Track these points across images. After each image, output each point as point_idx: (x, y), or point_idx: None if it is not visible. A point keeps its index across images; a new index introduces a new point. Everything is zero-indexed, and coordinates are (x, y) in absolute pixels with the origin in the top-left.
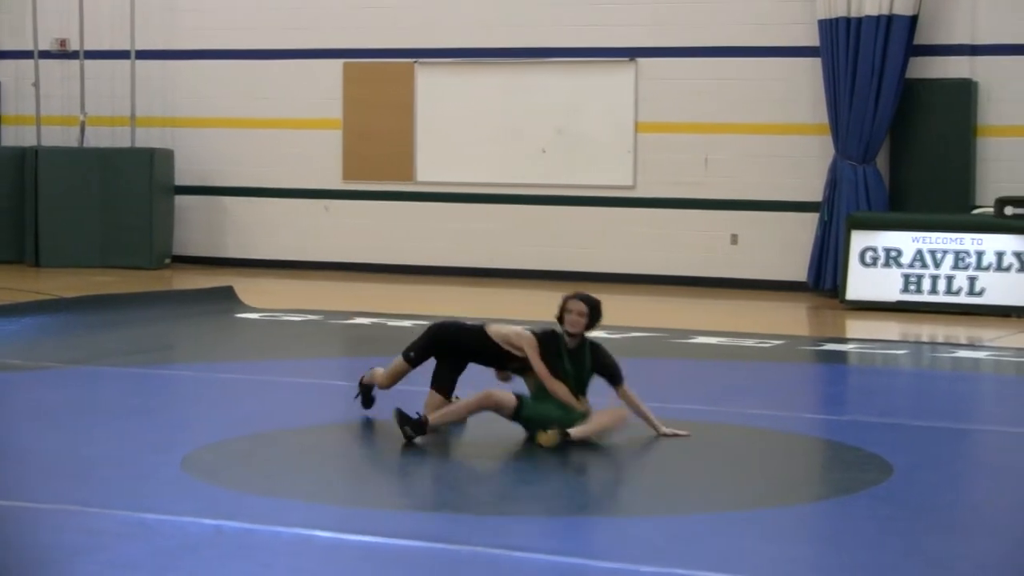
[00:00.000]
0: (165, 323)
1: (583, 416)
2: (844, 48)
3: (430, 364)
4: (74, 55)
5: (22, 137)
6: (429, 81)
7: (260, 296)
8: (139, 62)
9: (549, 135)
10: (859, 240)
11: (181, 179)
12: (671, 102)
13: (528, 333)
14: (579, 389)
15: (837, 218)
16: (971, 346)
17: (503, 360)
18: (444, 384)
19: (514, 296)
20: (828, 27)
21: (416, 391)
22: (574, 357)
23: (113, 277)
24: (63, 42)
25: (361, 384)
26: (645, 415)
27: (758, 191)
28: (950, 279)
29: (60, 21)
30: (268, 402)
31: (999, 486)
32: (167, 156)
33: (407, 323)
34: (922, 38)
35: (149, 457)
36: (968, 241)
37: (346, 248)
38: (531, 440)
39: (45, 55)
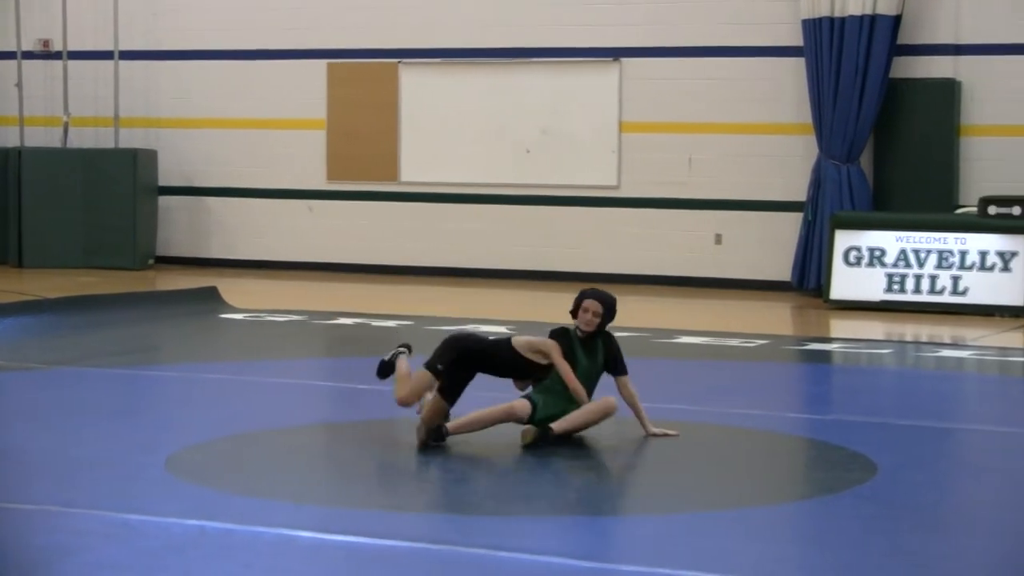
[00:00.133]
0: (149, 324)
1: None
2: (828, 48)
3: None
4: (57, 56)
5: (5, 138)
6: (413, 81)
7: (244, 297)
8: (122, 62)
9: (533, 135)
10: (843, 240)
11: (165, 179)
12: (655, 102)
13: (550, 340)
14: (592, 382)
15: (821, 218)
16: (955, 345)
17: (526, 371)
18: (454, 394)
19: (498, 296)
20: (812, 27)
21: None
22: (588, 349)
23: (96, 278)
24: (46, 42)
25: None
26: (638, 412)
27: (742, 191)
28: (934, 279)
29: (43, 21)
30: (252, 403)
31: (983, 485)
32: (151, 156)
33: (391, 323)
34: (906, 38)
35: (133, 458)
36: (952, 241)
37: (330, 248)
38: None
39: (28, 55)
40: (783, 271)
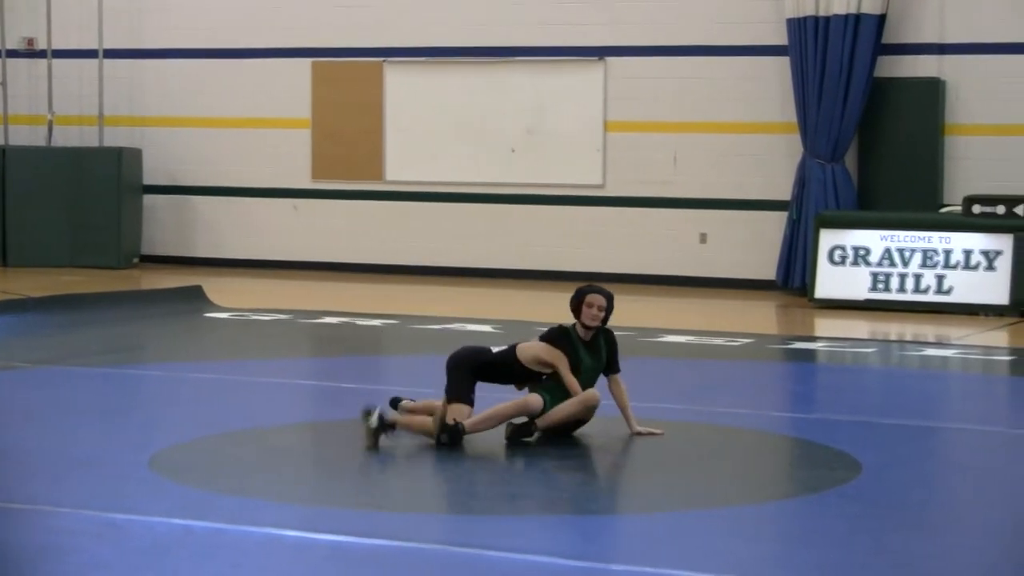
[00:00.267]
0: (134, 323)
1: None
2: (812, 47)
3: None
4: (42, 54)
5: None
6: (398, 80)
7: (229, 296)
8: (107, 61)
9: (518, 134)
10: (828, 239)
11: (149, 178)
12: (640, 101)
13: (556, 350)
14: (594, 380)
15: (806, 217)
16: (939, 344)
17: (530, 378)
18: (467, 398)
19: (484, 295)
20: (796, 26)
21: (393, 391)
22: (590, 348)
23: (81, 277)
24: (30, 41)
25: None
26: (625, 410)
27: (727, 190)
28: (918, 277)
29: (27, 20)
30: (237, 402)
31: (967, 484)
32: (135, 155)
33: (376, 322)
34: (890, 37)
35: (118, 457)
36: (936, 240)
37: (315, 247)
38: (508, 439)
39: (12, 54)
40: (768, 270)
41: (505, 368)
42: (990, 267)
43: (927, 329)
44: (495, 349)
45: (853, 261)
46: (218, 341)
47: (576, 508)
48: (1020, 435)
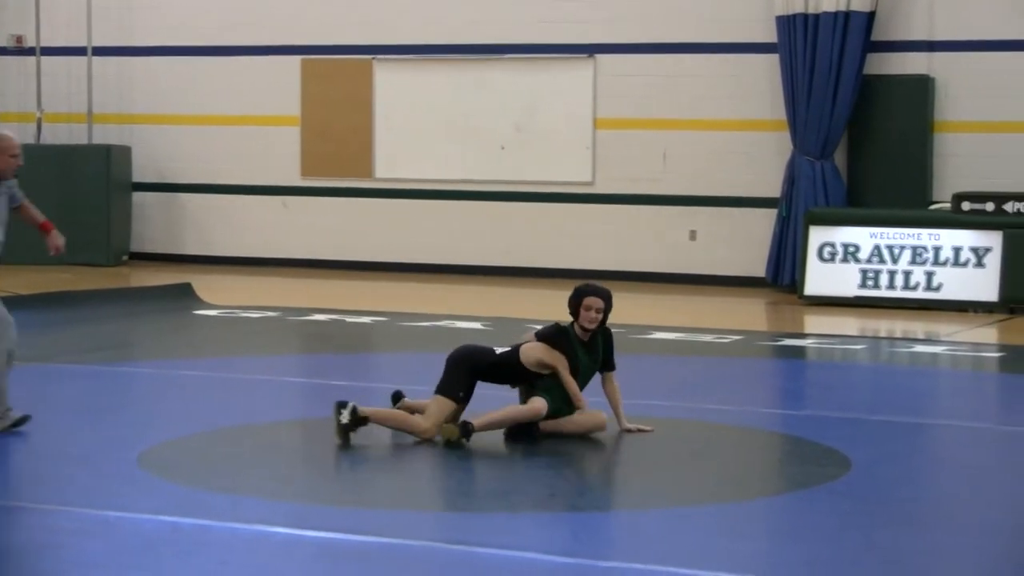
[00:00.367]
0: (123, 320)
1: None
2: (802, 44)
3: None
4: (31, 51)
5: None
6: (387, 78)
7: (218, 293)
8: (96, 58)
9: (508, 132)
10: (817, 235)
11: (139, 176)
12: (630, 98)
13: (556, 352)
14: (589, 379)
15: (795, 214)
16: (928, 341)
17: (528, 378)
18: (461, 395)
19: (472, 292)
20: (786, 23)
21: (382, 388)
22: (588, 348)
23: (70, 274)
24: (19, 38)
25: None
26: (616, 408)
27: (716, 187)
28: (908, 274)
29: (17, 17)
30: (226, 399)
31: (956, 480)
32: (124, 153)
33: (365, 319)
34: (880, 34)
35: (107, 454)
36: (925, 236)
37: (305, 245)
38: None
39: (1, 51)
40: (757, 267)
41: (508, 369)
42: (979, 264)
43: (916, 326)
44: (498, 350)
45: (843, 258)
46: (207, 338)
47: (567, 505)
48: (1009, 431)
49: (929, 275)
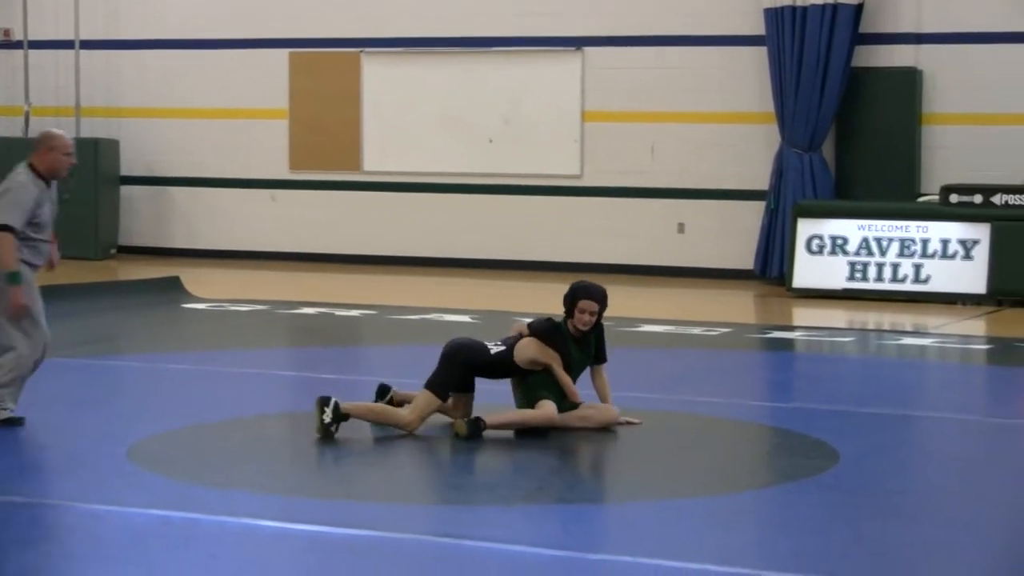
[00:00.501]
0: (111, 314)
1: (574, 407)
2: (790, 36)
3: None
4: (18, 45)
5: None
6: (376, 71)
7: (207, 286)
8: (84, 52)
9: (496, 125)
10: (805, 228)
11: (127, 169)
12: (618, 91)
13: (550, 350)
14: (580, 373)
15: (783, 206)
16: (916, 333)
17: (521, 373)
18: (449, 392)
19: (461, 285)
20: (774, 16)
21: (370, 381)
22: (580, 343)
23: (58, 268)
24: (7, 31)
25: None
26: (605, 400)
27: (705, 179)
28: (896, 267)
29: (4, 10)
30: (215, 392)
31: (944, 473)
32: (112, 146)
33: (354, 313)
34: (867, 26)
35: (96, 448)
36: (913, 229)
37: (293, 238)
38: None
39: None
40: (746, 259)
41: (502, 367)
42: (967, 256)
43: (905, 318)
44: (493, 349)
45: (831, 250)
46: (196, 332)
47: (556, 498)
48: (997, 423)
49: (917, 267)
